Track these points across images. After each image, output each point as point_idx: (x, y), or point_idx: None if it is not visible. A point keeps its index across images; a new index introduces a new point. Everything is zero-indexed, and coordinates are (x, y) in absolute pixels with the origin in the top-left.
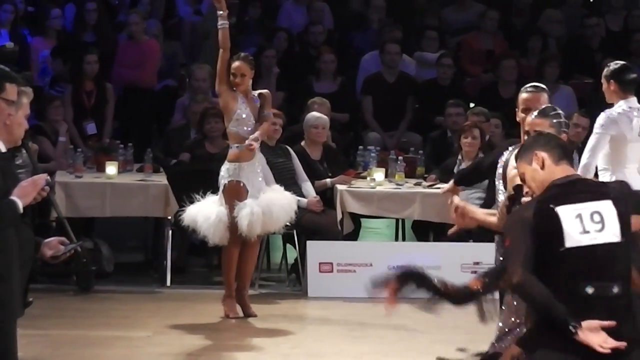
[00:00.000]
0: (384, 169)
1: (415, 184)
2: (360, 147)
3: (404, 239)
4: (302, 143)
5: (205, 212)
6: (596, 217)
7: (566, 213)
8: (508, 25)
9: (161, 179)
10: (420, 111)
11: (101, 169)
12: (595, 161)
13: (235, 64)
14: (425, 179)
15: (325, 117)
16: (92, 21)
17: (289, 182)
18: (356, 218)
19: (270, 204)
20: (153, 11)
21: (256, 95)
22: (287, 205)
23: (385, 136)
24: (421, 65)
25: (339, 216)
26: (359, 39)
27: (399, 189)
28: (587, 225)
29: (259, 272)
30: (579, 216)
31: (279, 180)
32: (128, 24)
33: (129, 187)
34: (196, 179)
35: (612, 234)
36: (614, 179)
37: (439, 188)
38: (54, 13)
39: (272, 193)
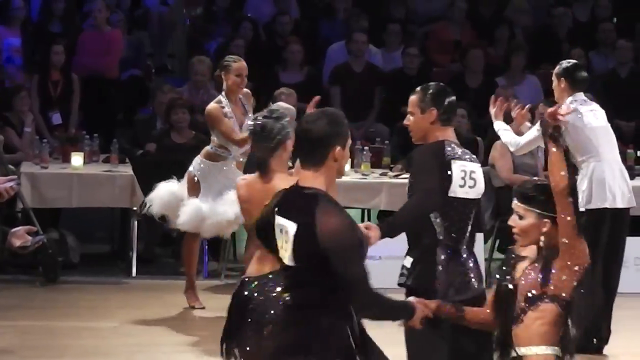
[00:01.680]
0: (350, 159)
1: (382, 174)
2: None
3: None
4: None
5: (162, 189)
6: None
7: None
8: (475, 15)
9: (127, 170)
10: (387, 101)
11: (67, 159)
12: (524, 150)
13: (238, 64)
14: (391, 169)
15: (293, 108)
16: (58, 11)
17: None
18: None
19: (213, 209)
20: (120, 1)
21: (241, 96)
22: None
23: (353, 127)
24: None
25: None
26: (326, 28)
27: (365, 179)
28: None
29: (225, 263)
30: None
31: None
32: (92, 12)
33: (95, 178)
34: (162, 169)
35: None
36: (590, 168)
37: (405, 178)
38: (17, 2)
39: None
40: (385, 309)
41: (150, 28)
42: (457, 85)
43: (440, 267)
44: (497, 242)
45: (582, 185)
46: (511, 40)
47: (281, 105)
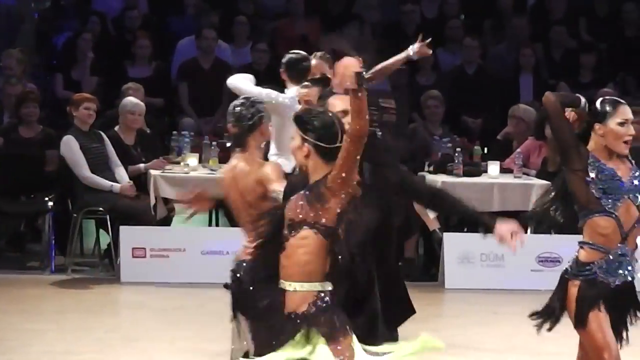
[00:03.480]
0: (197, 154)
1: None
2: (175, 132)
3: (217, 225)
4: (116, 128)
5: None
6: None
7: None
8: (324, 11)
9: None
10: (236, 96)
11: None
12: None
13: (315, 62)
14: None
15: (142, 104)
16: None
17: (103, 167)
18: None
19: None
20: None
21: None
22: None
23: (201, 122)
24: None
25: (153, 201)
26: (175, 23)
27: (213, 174)
28: None
29: (72, 257)
30: None
31: (93, 165)
32: None
33: None
34: (10, 163)
35: None
36: (280, 160)
37: None
38: None
39: None
40: None
41: None
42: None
43: None
44: None
45: None
46: (360, 36)
47: (131, 100)
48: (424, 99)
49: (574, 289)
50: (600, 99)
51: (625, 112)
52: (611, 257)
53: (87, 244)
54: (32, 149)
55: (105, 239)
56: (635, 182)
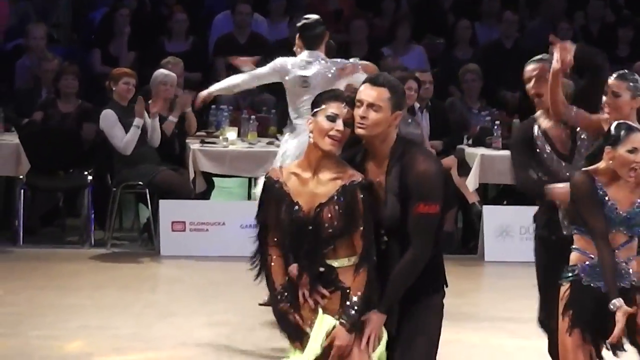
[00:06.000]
0: (236, 128)
1: (268, 143)
2: (213, 106)
3: None
4: (150, 101)
5: None
6: None
7: None
8: None
9: (13, 139)
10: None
11: None
12: None
13: None
14: (277, 138)
15: (173, 74)
16: None
17: (140, 142)
18: (209, 177)
19: None
20: None
21: None
22: None
23: (239, 96)
24: None
25: (192, 175)
26: None
27: (252, 148)
28: None
29: (111, 232)
30: None
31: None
32: None
33: None
34: (49, 138)
35: None
36: (301, 122)
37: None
38: None
39: None
40: None
41: None
42: (342, 56)
43: None
44: None
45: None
46: (397, 11)
47: (161, 71)
48: (462, 72)
49: (563, 293)
50: (616, 123)
51: (637, 139)
52: (596, 261)
53: (126, 219)
54: (71, 123)
55: (144, 213)
56: (634, 214)
